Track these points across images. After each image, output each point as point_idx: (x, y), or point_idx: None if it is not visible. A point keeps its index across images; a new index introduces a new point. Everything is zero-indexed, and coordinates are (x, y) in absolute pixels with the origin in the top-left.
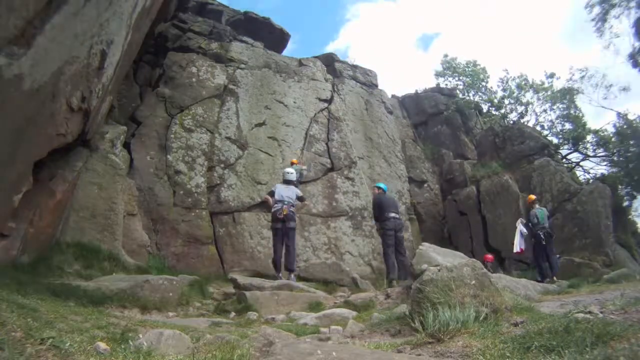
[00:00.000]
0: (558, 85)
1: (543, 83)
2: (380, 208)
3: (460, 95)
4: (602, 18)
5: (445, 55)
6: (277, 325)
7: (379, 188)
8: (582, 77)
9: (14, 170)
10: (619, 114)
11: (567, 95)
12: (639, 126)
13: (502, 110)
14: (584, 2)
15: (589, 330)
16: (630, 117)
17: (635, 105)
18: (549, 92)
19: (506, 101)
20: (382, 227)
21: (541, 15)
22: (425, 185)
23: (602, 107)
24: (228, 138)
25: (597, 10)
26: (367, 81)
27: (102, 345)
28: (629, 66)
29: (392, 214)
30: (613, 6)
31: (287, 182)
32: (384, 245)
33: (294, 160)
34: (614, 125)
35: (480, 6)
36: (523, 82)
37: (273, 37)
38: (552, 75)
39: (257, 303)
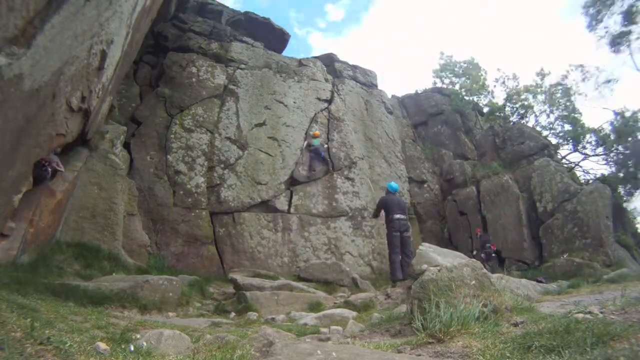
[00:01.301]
0: (548, 81)
1: (536, 82)
2: (386, 208)
3: (460, 96)
4: (596, 17)
5: (442, 53)
6: (277, 325)
7: (388, 188)
8: (583, 79)
9: (14, 170)
10: (615, 112)
11: (565, 95)
12: (635, 123)
13: (504, 114)
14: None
15: (589, 330)
16: (627, 114)
17: (631, 102)
18: (542, 89)
19: (507, 104)
20: (387, 228)
21: (533, 14)
22: (425, 185)
23: (604, 108)
24: (228, 138)
25: (592, 11)
26: (367, 81)
27: (102, 345)
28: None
29: (397, 215)
30: (608, 6)
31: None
32: (388, 246)
33: (316, 132)
34: (611, 123)
35: (476, 7)
36: (522, 89)
37: (273, 37)
38: (542, 73)
39: (257, 303)
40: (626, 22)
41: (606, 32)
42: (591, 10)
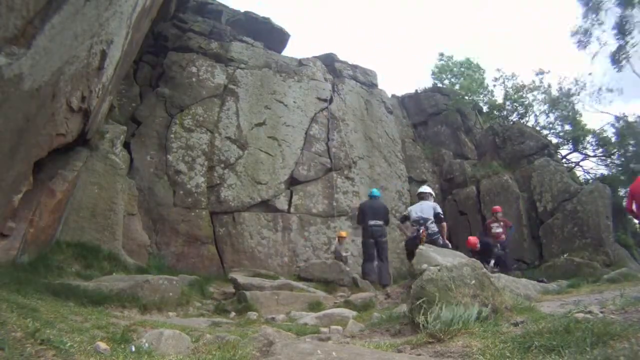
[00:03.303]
0: (547, 80)
1: (534, 82)
2: (362, 215)
3: (460, 96)
4: (587, 32)
5: (442, 54)
6: (277, 325)
7: (368, 194)
8: (579, 91)
9: (14, 170)
10: (616, 116)
11: (565, 98)
12: (638, 127)
13: (503, 112)
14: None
15: (589, 330)
16: (631, 119)
17: (630, 107)
18: (541, 90)
19: (507, 103)
20: (362, 236)
21: (536, 16)
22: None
23: (601, 112)
24: (228, 138)
25: (581, 23)
26: (367, 81)
27: (102, 345)
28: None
29: (371, 222)
30: (599, 22)
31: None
32: (363, 254)
33: None
34: (613, 126)
35: (475, 6)
36: (520, 86)
37: (273, 37)
38: (541, 72)
39: (257, 303)
40: (619, 35)
41: (599, 43)
42: (580, 32)
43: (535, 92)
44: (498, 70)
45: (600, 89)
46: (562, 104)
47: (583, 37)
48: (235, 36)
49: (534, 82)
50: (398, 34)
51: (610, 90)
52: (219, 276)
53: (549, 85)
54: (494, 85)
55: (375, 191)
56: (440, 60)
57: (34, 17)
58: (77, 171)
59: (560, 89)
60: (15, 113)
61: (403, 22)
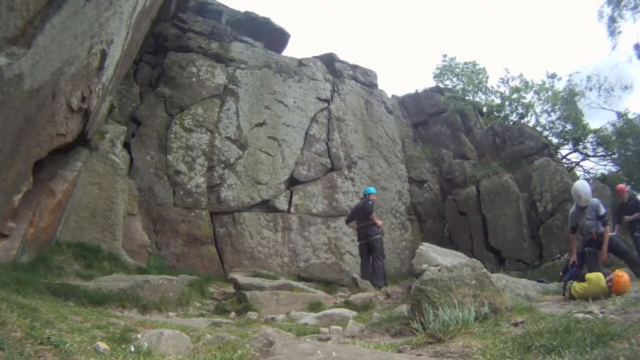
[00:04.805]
0: (559, 85)
1: (544, 83)
2: (352, 220)
3: (460, 96)
4: (612, 19)
5: (445, 55)
6: (277, 325)
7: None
8: (587, 86)
9: (14, 170)
10: (618, 113)
11: (569, 97)
12: (638, 125)
13: (503, 113)
14: (586, 4)
15: (589, 330)
16: (630, 116)
17: (635, 102)
18: (549, 93)
19: (506, 103)
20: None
21: (544, 15)
22: (425, 185)
23: (603, 108)
24: (228, 138)
25: (608, 11)
26: (367, 81)
27: (102, 345)
28: (633, 58)
29: (360, 224)
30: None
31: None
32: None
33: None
34: (613, 125)
35: (478, 6)
36: (523, 85)
37: (273, 37)
38: (553, 76)
39: (257, 303)
40: None
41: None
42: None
43: (540, 93)
44: (505, 69)
45: (612, 88)
46: (567, 102)
47: (611, 24)
48: (235, 36)
49: (543, 81)
50: (398, 34)
51: (625, 88)
52: (219, 276)
53: (562, 91)
54: (498, 86)
55: (366, 190)
56: (444, 61)
57: (34, 17)
58: (77, 171)
59: (569, 83)
60: (15, 113)
61: (403, 22)
